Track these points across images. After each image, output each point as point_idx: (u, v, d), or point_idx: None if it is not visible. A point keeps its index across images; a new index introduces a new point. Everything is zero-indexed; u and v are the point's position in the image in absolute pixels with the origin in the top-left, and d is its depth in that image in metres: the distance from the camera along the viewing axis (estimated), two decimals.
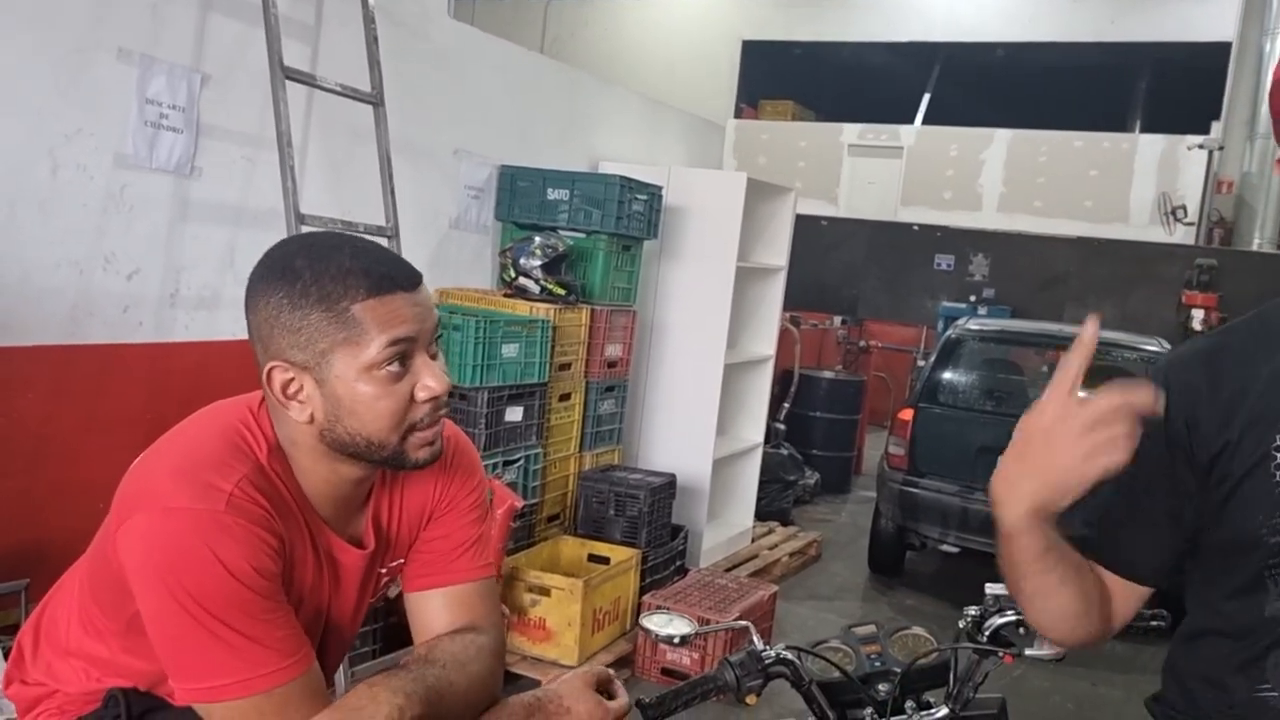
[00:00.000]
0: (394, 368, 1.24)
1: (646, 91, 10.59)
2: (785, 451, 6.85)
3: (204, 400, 1.40)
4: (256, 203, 3.69)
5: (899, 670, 1.69)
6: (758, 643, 1.66)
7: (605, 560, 4.30)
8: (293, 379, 1.25)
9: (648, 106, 6.13)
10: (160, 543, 1.15)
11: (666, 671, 3.92)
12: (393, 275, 1.25)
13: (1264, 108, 12.03)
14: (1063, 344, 6.07)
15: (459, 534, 1.48)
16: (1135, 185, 11.17)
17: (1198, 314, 9.94)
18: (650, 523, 4.52)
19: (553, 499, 4.56)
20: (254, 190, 3.68)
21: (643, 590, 4.30)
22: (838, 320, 9.45)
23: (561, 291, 4.44)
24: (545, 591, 3.93)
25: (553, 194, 4.68)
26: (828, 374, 7.81)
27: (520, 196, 4.76)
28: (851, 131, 12.23)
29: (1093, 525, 1.32)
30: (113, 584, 1.23)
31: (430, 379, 1.26)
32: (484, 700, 1.37)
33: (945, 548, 5.43)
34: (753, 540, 5.81)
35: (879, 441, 7.25)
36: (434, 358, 1.29)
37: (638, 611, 4.15)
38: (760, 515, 6.10)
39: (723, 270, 5.08)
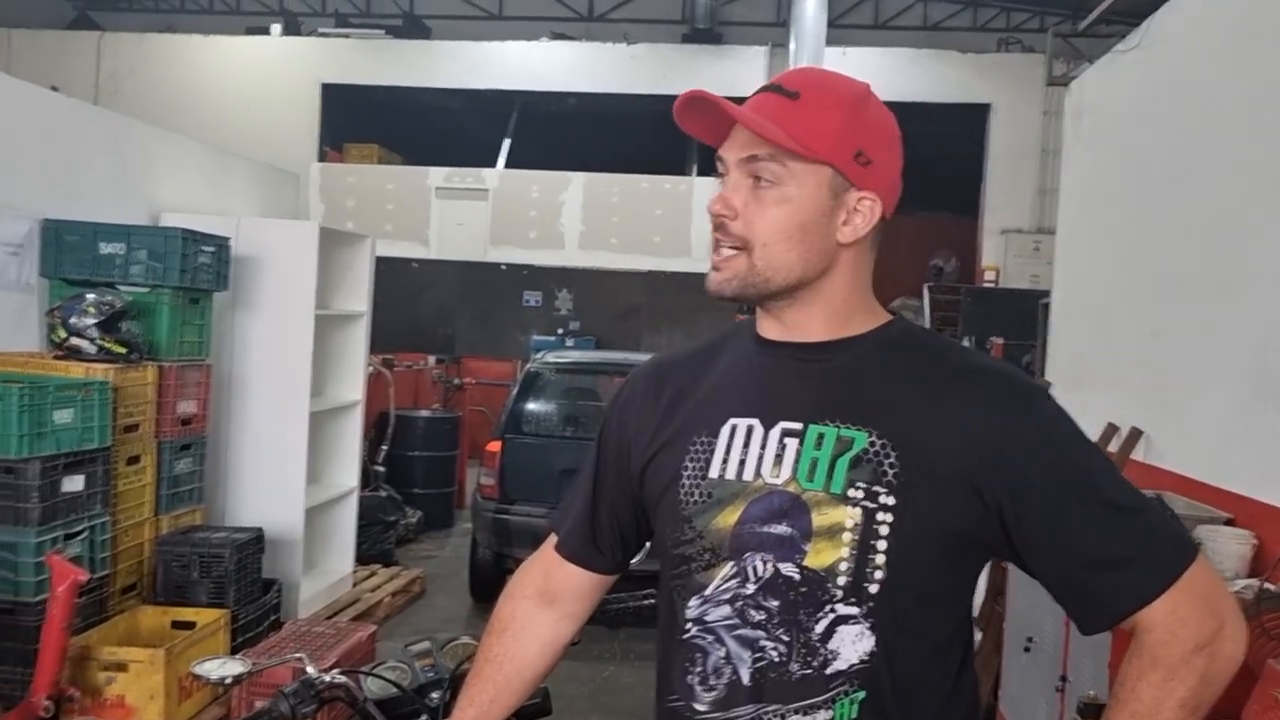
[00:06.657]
0: None
1: (223, 133, 10.22)
2: (384, 493, 6.92)
3: None
4: None
5: (448, 676, 1.90)
6: (311, 671, 1.79)
7: (191, 625, 4.15)
8: None
9: (213, 156, 5.96)
10: None
11: None
12: None
13: None
14: (625, 370, 6.72)
15: None
16: (695, 222, 12.46)
17: None
18: (238, 581, 4.42)
19: (127, 568, 4.31)
20: None
21: (235, 650, 4.20)
22: (432, 360, 9.66)
23: (122, 350, 4.23)
24: (122, 667, 3.73)
25: (107, 248, 4.45)
26: (424, 413, 7.99)
27: (69, 251, 4.47)
28: (438, 174, 12.53)
29: (561, 524, 1.42)
30: None
31: None
32: None
33: None
34: (354, 585, 5.82)
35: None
36: None
37: None
38: (362, 559, 6.12)
39: (300, 319, 5.08)
